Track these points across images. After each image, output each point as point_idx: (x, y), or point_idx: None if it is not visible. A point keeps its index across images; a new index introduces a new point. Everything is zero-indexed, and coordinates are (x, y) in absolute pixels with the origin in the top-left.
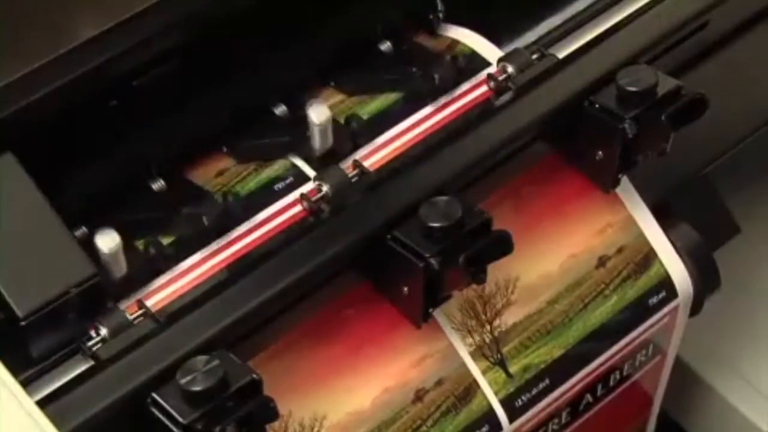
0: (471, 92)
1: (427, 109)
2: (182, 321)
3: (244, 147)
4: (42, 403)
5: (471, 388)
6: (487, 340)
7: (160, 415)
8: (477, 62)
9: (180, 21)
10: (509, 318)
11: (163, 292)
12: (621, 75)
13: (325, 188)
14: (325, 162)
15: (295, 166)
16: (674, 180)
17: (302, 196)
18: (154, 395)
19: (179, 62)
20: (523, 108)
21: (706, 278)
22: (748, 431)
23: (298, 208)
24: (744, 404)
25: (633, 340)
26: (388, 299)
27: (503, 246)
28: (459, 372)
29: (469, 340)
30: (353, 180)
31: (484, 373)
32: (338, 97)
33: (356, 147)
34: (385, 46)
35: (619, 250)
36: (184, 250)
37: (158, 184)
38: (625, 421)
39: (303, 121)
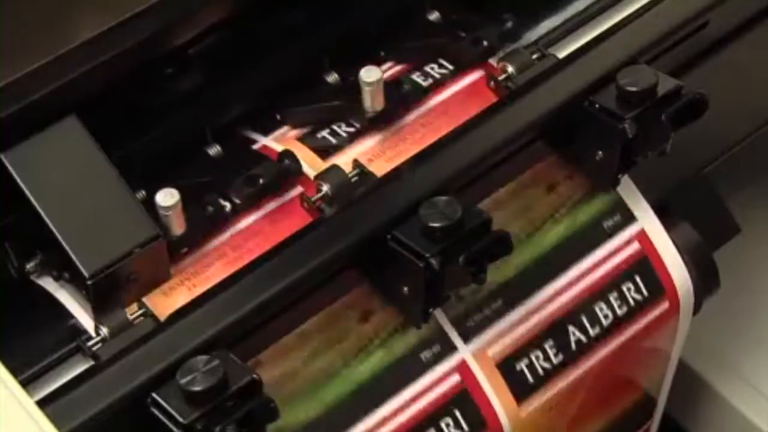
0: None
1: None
2: (182, 321)
3: (296, 113)
4: (42, 403)
5: None
6: None
7: (160, 415)
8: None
9: None
10: None
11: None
12: (621, 75)
13: (325, 188)
14: (377, 122)
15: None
16: (674, 180)
17: (302, 196)
18: (154, 395)
19: (232, 30)
20: (523, 108)
21: (705, 278)
22: None
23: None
24: (745, 405)
25: (597, 264)
26: (388, 299)
27: (503, 246)
28: None
29: None
30: (353, 180)
31: None
32: (388, 64)
33: (407, 109)
34: (434, 15)
35: (569, 176)
36: (240, 210)
37: (214, 150)
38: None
39: (355, 87)
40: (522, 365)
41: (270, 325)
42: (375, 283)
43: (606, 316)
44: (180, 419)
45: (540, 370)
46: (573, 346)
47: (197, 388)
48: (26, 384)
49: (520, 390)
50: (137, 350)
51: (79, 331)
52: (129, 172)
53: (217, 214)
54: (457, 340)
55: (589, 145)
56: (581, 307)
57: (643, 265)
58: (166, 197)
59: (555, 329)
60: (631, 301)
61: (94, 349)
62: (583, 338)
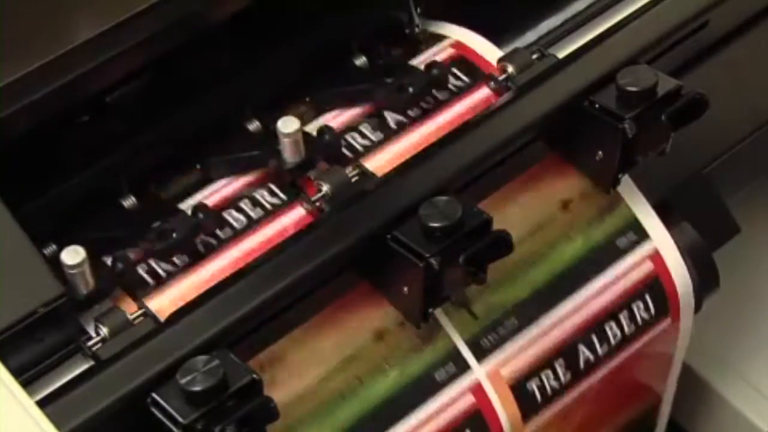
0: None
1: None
2: (182, 321)
3: (215, 162)
4: (42, 403)
5: (434, 328)
6: None
7: (160, 415)
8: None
9: (149, 37)
10: None
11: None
12: (621, 75)
13: (325, 188)
14: (297, 174)
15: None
16: (674, 180)
17: (302, 196)
18: (154, 395)
19: (150, 78)
20: (523, 108)
21: (705, 278)
22: None
23: (300, 211)
24: (745, 405)
25: (610, 283)
26: (388, 299)
27: (503, 246)
28: None
29: None
30: (353, 180)
31: (447, 313)
32: (312, 111)
33: (328, 159)
34: (360, 60)
35: (583, 194)
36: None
37: (129, 201)
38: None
39: (275, 136)
40: (533, 385)
41: (270, 324)
42: (375, 284)
43: (615, 335)
44: (180, 419)
45: (549, 390)
46: (581, 364)
47: (197, 388)
48: (26, 384)
49: (529, 409)
50: (137, 350)
51: (79, 331)
52: (39, 225)
53: (127, 271)
54: (471, 360)
55: (589, 145)
56: (592, 327)
57: (654, 285)
58: (71, 255)
59: (566, 349)
60: (639, 320)
61: (94, 349)
62: (591, 357)
